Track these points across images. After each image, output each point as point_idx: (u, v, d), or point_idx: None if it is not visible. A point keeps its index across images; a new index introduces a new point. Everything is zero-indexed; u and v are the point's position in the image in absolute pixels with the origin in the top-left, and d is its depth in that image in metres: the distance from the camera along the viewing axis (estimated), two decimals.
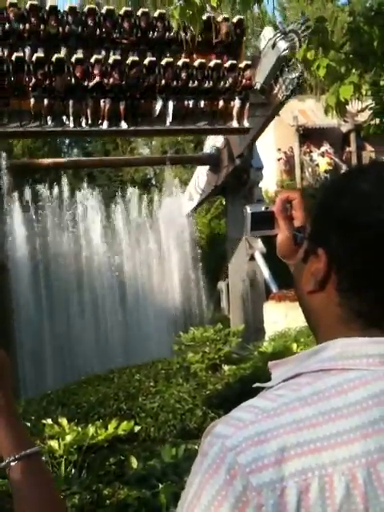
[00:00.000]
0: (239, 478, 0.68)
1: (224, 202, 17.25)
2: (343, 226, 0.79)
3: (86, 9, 12.92)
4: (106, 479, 2.54)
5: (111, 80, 12.34)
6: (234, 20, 13.80)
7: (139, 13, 13.09)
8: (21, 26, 12.11)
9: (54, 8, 12.56)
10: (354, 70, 4.94)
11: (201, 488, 0.70)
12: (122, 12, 13.00)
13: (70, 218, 13.88)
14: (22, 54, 11.93)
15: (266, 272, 14.16)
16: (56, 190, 14.18)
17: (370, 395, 0.72)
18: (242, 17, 14.08)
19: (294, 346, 8.04)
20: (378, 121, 8.09)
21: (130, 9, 13.19)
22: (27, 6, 12.25)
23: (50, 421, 3.38)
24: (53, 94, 12.06)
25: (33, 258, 13.00)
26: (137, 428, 4.07)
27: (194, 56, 13.39)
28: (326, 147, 20.91)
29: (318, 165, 20.68)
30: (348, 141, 21.62)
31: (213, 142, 16.56)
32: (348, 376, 0.74)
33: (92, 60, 12.31)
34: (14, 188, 12.49)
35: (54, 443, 2.93)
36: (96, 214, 14.17)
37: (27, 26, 12.14)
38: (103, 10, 12.94)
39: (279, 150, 21.71)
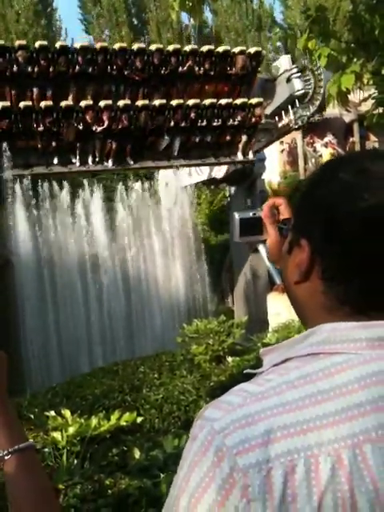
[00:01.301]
0: (226, 459, 0.69)
1: (227, 194, 17.25)
2: (324, 217, 0.80)
3: (97, 47, 12.70)
4: (108, 470, 2.55)
5: (120, 125, 12.38)
6: (251, 51, 13.72)
7: (153, 48, 12.95)
8: (29, 68, 11.97)
9: (64, 48, 12.37)
10: (355, 59, 4.91)
11: (190, 470, 0.72)
12: (135, 48, 12.80)
13: (72, 211, 13.87)
14: (30, 103, 11.85)
15: (269, 264, 14.13)
16: (59, 182, 14.18)
17: (356, 378, 0.73)
18: (259, 49, 14.06)
19: None
20: (381, 110, 8.06)
21: (143, 46, 13.04)
22: (36, 45, 12.16)
23: (53, 413, 3.40)
24: (61, 137, 12.14)
25: (36, 252, 13.02)
26: (139, 419, 4.09)
27: (207, 87, 13.43)
28: (329, 138, 20.82)
29: (321, 155, 20.60)
30: (351, 131, 21.51)
31: None
32: (335, 360, 0.75)
33: (101, 105, 12.23)
34: (16, 182, 12.49)
35: (57, 435, 2.95)
36: (99, 207, 14.17)
37: (36, 67, 11.99)
38: (116, 47, 12.74)
39: (282, 141, 21.61)
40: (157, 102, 12.65)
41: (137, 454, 3.00)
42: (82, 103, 12.17)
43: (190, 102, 12.89)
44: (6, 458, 1.01)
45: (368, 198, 0.76)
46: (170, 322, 13.72)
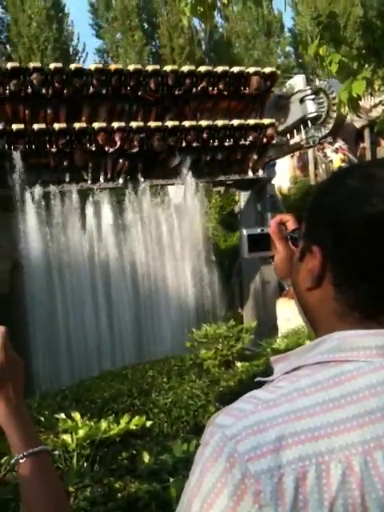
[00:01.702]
0: (238, 465, 0.70)
1: (237, 199, 17.24)
2: (333, 224, 0.81)
3: (111, 68, 12.71)
4: (117, 473, 2.56)
5: (133, 147, 12.49)
6: (266, 71, 13.75)
7: (168, 69, 12.96)
8: (44, 90, 12.03)
9: (78, 69, 12.41)
10: (366, 66, 4.90)
11: (202, 476, 0.73)
12: (149, 69, 12.80)
13: (81, 213, 13.91)
14: (43, 126, 11.95)
15: None
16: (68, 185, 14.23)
17: (367, 386, 0.74)
18: (274, 70, 14.11)
19: (307, 342, 8.02)
20: None
21: (157, 67, 12.97)
22: (51, 67, 12.18)
23: (63, 415, 3.42)
24: (73, 157, 12.29)
25: (46, 255, 13.08)
26: (149, 423, 4.10)
27: (220, 105, 13.53)
28: (339, 143, 20.77)
29: (331, 161, 20.55)
30: (362, 136, 21.45)
31: None
32: (346, 367, 0.76)
33: (114, 126, 12.31)
34: (27, 185, 12.57)
35: (66, 437, 2.97)
36: (108, 209, 14.19)
37: (50, 88, 12.05)
38: (130, 68, 12.72)
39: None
40: (169, 124, 12.74)
41: (146, 457, 3.00)
42: (96, 125, 12.24)
43: (203, 123, 12.98)
44: (20, 461, 1.04)
45: (375, 204, 0.78)
46: (179, 326, 13.71)
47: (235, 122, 13.25)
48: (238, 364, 7.95)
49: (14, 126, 11.77)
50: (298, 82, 14.34)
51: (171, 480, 2.31)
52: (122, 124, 12.39)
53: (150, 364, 8.06)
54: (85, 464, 2.73)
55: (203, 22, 4.75)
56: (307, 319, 0.91)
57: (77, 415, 3.38)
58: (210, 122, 13.04)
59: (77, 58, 35.51)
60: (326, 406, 0.73)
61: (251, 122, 13.38)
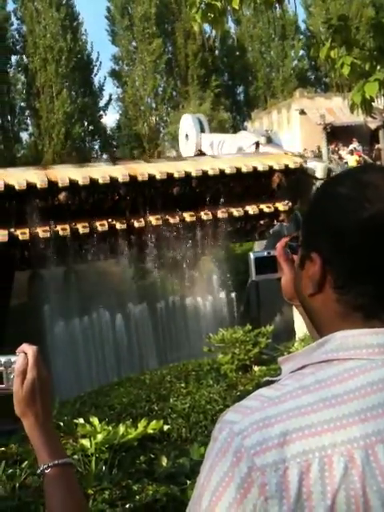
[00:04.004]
0: (245, 459, 0.74)
1: None
2: (330, 230, 0.85)
3: (139, 180, 12.20)
4: (135, 477, 2.59)
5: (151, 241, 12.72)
6: (291, 165, 13.39)
7: (194, 174, 12.50)
8: (71, 204, 11.78)
9: (107, 184, 11.88)
10: (379, 67, 4.89)
11: (211, 471, 0.76)
12: (176, 176, 12.32)
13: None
14: (68, 233, 11.87)
15: None
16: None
17: (369, 383, 0.77)
18: (298, 167, 13.61)
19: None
20: None
21: (183, 174, 12.40)
22: (80, 183, 11.69)
23: (81, 420, 3.47)
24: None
25: (64, 265, 13.20)
26: (166, 427, 4.13)
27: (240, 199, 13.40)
28: (354, 145, 20.69)
29: (346, 163, 20.47)
30: (377, 138, 21.35)
31: (240, 143, 16.65)
32: (348, 365, 0.79)
33: (136, 225, 12.30)
34: None
35: (85, 442, 3.01)
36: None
37: (78, 201, 11.83)
38: (157, 177, 12.22)
39: (305, 149, 21.57)
40: (188, 218, 12.69)
41: (164, 461, 3.03)
42: (118, 226, 12.16)
43: (219, 214, 12.96)
44: (46, 471, 1.11)
45: (368, 208, 0.81)
46: (196, 331, 13.74)
47: (250, 211, 13.16)
48: (256, 368, 7.94)
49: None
50: (319, 168, 14.05)
51: (189, 483, 2.34)
52: (142, 224, 12.33)
53: (167, 369, 8.08)
54: (103, 468, 2.77)
55: (214, 27, 4.78)
56: (312, 324, 0.94)
57: (95, 420, 3.42)
58: (226, 214, 12.95)
59: (91, 66, 35.90)
60: (329, 402, 0.75)
61: (265, 209, 13.28)
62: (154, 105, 35.19)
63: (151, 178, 12.11)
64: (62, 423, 3.66)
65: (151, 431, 3.50)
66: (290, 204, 13.53)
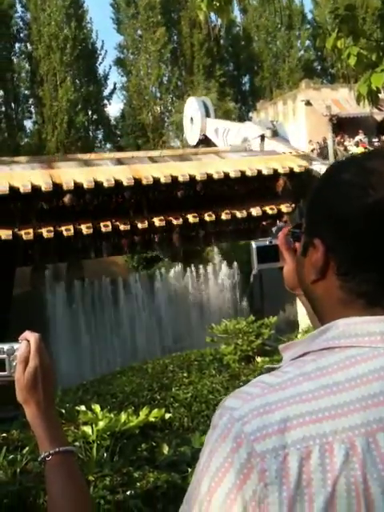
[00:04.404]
0: (244, 445, 0.73)
1: None
2: (333, 217, 0.84)
3: (144, 183, 12.20)
4: (136, 464, 2.61)
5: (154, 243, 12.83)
6: (296, 169, 13.37)
7: (198, 178, 12.49)
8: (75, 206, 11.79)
9: (111, 188, 11.87)
10: None
11: (210, 456, 0.76)
12: (181, 180, 12.27)
13: None
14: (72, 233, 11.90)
15: None
16: None
17: (370, 370, 0.77)
18: (303, 170, 13.51)
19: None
20: None
21: (187, 178, 12.34)
22: (85, 186, 11.72)
23: (83, 407, 3.49)
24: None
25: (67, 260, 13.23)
26: (167, 415, 4.15)
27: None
28: (360, 136, 20.56)
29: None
30: (383, 129, 21.20)
31: (245, 134, 16.58)
32: (350, 353, 0.79)
33: (139, 226, 12.30)
34: None
35: (87, 429, 3.03)
36: None
37: (81, 203, 11.82)
38: (162, 180, 12.20)
39: (310, 141, 21.45)
40: (191, 219, 12.68)
41: (165, 449, 3.05)
42: (122, 227, 12.17)
43: (223, 216, 12.98)
44: (47, 459, 1.11)
45: (372, 194, 0.81)
46: (200, 321, 13.77)
47: (253, 212, 13.17)
48: (258, 359, 7.96)
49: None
50: (324, 170, 14.08)
51: (190, 470, 2.35)
52: (146, 225, 12.35)
53: (170, 359, 8.11)
54: (105, 455, 2.78)
55: (219, 16, 4.74)
56: (314, 312, 0.93)
57: (97, 407, 3.44)
58: (229, 216, 12.97)
59: (96, 55, 35.71)
60: (331, 390, 0.75)
61: (269, 210, 13.28)
62: (158, 94, 35.03)
63: (156, 181, 12.11)
64: (64, 410, 3.68)
65: (153, 419, 3.52)
66: (294, 206, 13.52)
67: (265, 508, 0.71)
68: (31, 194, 11.20)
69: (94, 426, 3.03)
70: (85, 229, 11.88)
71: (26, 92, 34.39)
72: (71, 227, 11.78)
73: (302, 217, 1.00)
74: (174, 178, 12.29)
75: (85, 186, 11.59)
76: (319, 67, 39.25)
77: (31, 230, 11.44)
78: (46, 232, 11.53)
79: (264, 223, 13.71)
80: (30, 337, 1.18)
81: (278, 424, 0.73)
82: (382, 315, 0.81)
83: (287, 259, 1.18)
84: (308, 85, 24.23)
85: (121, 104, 37.49)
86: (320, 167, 14.23)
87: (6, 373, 1.19)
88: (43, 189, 11.22)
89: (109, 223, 12.10)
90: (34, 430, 1.14)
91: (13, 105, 34.31)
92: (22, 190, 11.10)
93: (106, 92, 36.28)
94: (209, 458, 0.76)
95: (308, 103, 22.52)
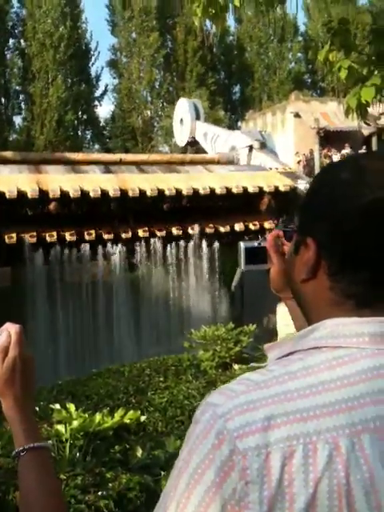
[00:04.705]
0: (226, 442, 0.72)
1: None
2: (327, 215, 0.83)
3: (130, 195, 12.18)
4: (109, 465, 2.58)
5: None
6: (282, 189, 13.49)
7: (184, 193, 12.55)
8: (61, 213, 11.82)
9: (98, 199, 11.82)
10: (376, 72, 4.90)
11: (191, 453, 0.74)
12: (167, 193, 12.35)
13: None
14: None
15: None
16: None
17: (357, 371, 0.76)
18: (288, 190, 13.59)
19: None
20: None
21: (174, 192, 12.45)
22: (72, 195, 11.69)
23: (58, 406, 3.44)
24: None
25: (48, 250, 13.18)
26: (143, 418, 4.12)
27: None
28: (347, 150, 20.79)
29: None
30: (370, 144, 21.48)
31: (234, 144, 16.67)
32: (338, 353, 0.78)
33: (123, 236, 12.41)
34: None
35: (60, 427, 2.99)
36: None
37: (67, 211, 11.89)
38: (148, 194, 12.26)
39: (297, 153, 21.63)
40: (175, 232, 12.79)
41: (139, 452, 3.02)
42: (105, 236, 12.26)
43: (208, 230, 13.14)
44: (21, 454, 1.07)
45: (367, 194, 0.80)
46: (178, 327, 13.73)
47: (237, 227, 13.26)
48: (236, 366, 7.95)
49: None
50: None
51: (163, 474, 2.33)
52: (129, 235, 12.46)
53: (146, 363, 8.05)
54: (77, 454, 2.74)
55: (214, 23, 4.75)
56: (302, 312, 0.92)
57: (71, 406, 3.40)
58: (212, 230, 13.12)
59: (89, 55, 35.66)
60: (316, 389, 0.74)
61: (251, 226, 13.42)
62: (149, 98, 35.09)
63: (142, 193, 12.25)
64: (38, 408, 3.62)
65: (128, 421, 3.48)
66: (276, 222, 13.76)
67: (244, 506, 0.70)
68: (16, 199, 11.30)
69: (67, 425, 2.99)
70: (68, 236, 11.97)
71: (17, 88, 34.22)
72: (55, 233, 11.85)
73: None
74: (161, 191, 12.40)
75: (71, 195, 11.67)
76: (309, 80, 39.69)
77: (14, 235, 11.54)
78: (29, 237, 11.64)
79: (246, 238, 13.93)
80: (11, 328, 1.15)
81: (262, 422, 0.72)
82: (370, 317, 0.80)
83: (275, 261, 1.19)
84: (297, 97, 24.46)
85: (111, 106, 37.46)
86: (305, 186, 14.41)
87: None
88: (29, 195, 11.33)
89: (92, 231, 12.22)
90: (10, 424, 1.11)
91: (3, 100, 34.12)
92: (7, 196, 11.20)
93: (97, 93, 36.27)
94: (189, 455, 0.74)
95: (297, 115, 22.76)
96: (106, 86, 37.34)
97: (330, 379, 0.75)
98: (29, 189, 11.37)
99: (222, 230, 13.26)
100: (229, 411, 0.73)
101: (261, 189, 13.28)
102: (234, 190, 13.00)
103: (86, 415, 3.23)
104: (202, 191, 12.71)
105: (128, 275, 14.92)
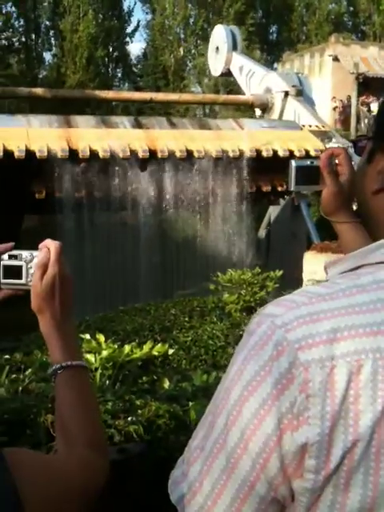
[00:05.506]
0: (286, 354, 0.67)
1: None
2: None
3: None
4: (138, 394, 2.62)
5: None
6: (313, 153, 13.25)
7: (213, 154, 12.66)
8: None
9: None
10: None
11: (244, 364, 0.70)
12: (196, 153, 12.56)
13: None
14: None
15: (309, 223, 13.98)
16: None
17: None
18: (318, 154, 13.61)
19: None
20: None
21: (203, 154, 12.63)
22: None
23: (88, 336, 3.49)
24: None
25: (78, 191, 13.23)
26: (171, 351, 4.17)
27: None
28: None
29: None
30: None
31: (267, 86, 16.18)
32: None
33: None
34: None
35: (90, 357, 3.04)
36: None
37: None
38: None
39: (334, 98, 20.93)
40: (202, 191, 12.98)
41: (166, 383, 3.07)
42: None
43: (234, 189, 13.26)
44: (58, 372, 1.05)
45: None
46: (205, 271, 13.79)
47: (263, 187, 13.29)
48: None
49: None
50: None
51: (191, 404, 2.35)
52: None
53: (172, 303, 8.13)
54: (107, 382, 2.79)
55: None
56: (368, 226, 0.87)
57: (101, 337, 3.45)
58: (239, 189, 13.20)
59: None
60: None
61: (278, 187, 13.40)
62: (182, 36, 34.01)
63: (171, 154, 12.36)
64: None
65: (156, 353, 3.53)
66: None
67: (304, 421, 0.66)
68: (46, 159, 11.57)
69: (97, 354, 3.04)
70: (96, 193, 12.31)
71: (48, 23, 33.47)
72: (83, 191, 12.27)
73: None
74: (190, 152, 12.51)
75: (100, 156, 11.87)
76: (350, 23, 37.91)
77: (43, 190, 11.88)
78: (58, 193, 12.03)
79: (272, 198, 13.90)
80: (51, 244, 1.11)
81: (327, 334, 0.67)
82: None
83: (328, 182, 1.12)
84: (337, 39, 23.48)
85: (143, 43, 36.54)
86: (337, 146, 14.08)
87: (22, 281, 1.12)
88: (59, 156, 11.62)
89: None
90: (47, 341, 1.08)
91: (33, 36, 33.44)
92: (38, 156, 11.43)
93: (129, 29, 35.30)
94: (242, 366, 0.71)
95: (336, 59, 21.90)
96: (138, 21, 36.55)
97: None
98: (59, 148, 11.66)
99: (248, 189, 13.37)
100: (290, 322, 0.69)
101: (291, 152, 13.17)
102: (264, 154, 13.00)
103: (115, 346, 3.28)
104: (231, 153, 12.74)
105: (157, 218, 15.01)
